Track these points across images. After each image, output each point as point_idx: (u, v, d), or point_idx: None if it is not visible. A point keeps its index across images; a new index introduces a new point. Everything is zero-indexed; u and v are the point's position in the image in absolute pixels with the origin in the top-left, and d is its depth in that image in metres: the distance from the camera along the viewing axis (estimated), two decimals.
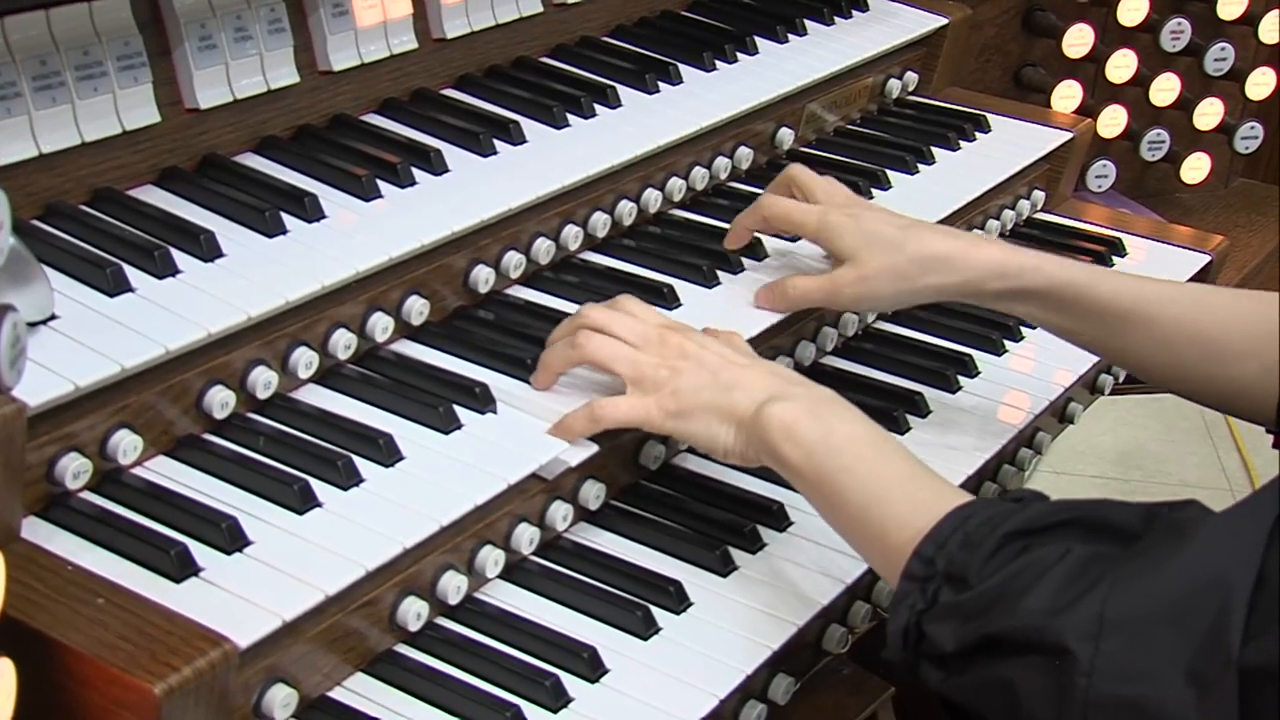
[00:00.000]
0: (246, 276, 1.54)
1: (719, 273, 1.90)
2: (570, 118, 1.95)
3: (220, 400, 1.49)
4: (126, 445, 1.41)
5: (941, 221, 2.17)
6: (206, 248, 1.55)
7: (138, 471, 1.44)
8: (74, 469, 1.37)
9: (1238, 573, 1.18)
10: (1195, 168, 2.94)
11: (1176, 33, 2.81)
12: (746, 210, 1.89)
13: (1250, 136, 2.91)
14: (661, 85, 2.08)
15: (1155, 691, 1.18)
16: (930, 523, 1.37)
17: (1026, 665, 1.25)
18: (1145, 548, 1.26)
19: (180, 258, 1.54)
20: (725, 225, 2.02)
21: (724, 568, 1.60)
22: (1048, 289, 1.75)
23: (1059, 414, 2.09)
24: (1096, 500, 1.36)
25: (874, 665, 1.62)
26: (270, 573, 1.34)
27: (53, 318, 1.42)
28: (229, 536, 1.36)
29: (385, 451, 1.50)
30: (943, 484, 1.46)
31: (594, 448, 1.59)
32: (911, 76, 2.50)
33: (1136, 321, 1.73)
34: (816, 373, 1.93)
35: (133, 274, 1.50)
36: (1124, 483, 4.66)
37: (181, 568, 1.32)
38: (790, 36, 2.30)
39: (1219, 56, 2.83)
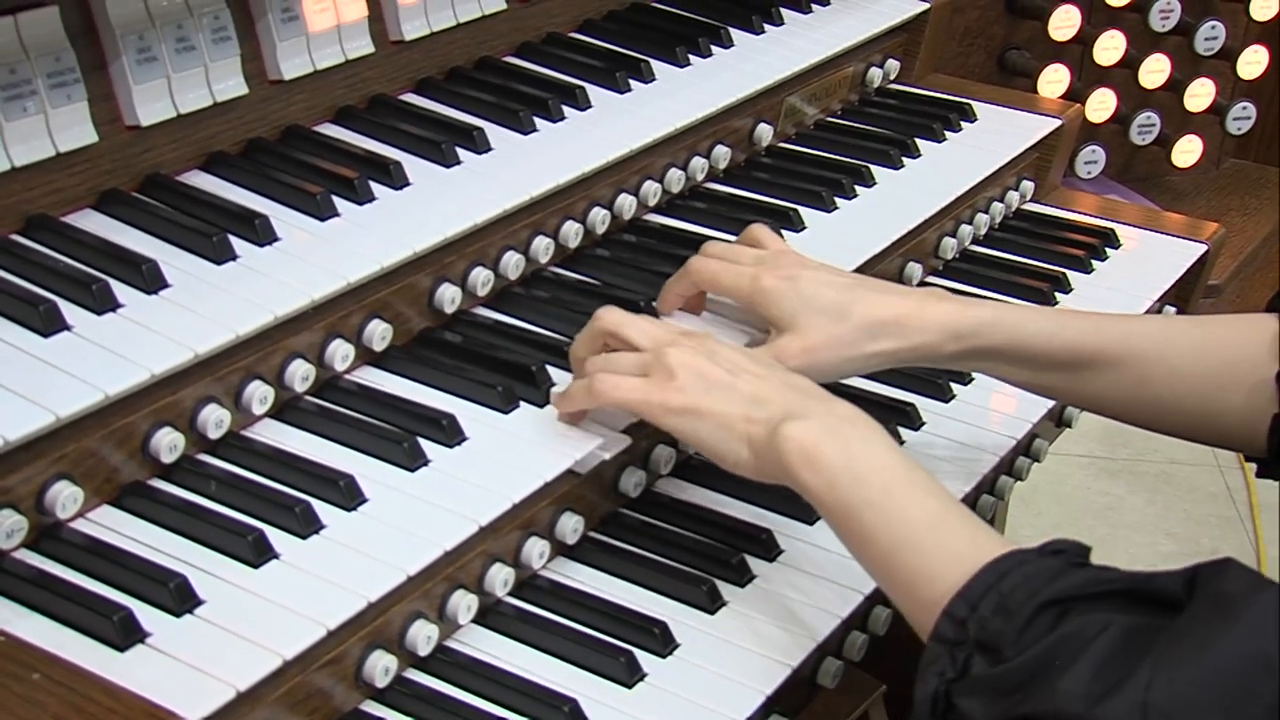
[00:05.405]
0: (193, 309, 1.44)
1: None
2: (538, 121, 1.85)
3: (168, 443, 1.39)
4: (66, 498, 1.31)
5: (930, 219, 2.08)
6: (149, 278, 1.45)
7: (78, 525, 1.34)
8: (8, 527, 1.27)
9: None
10: (1187, 150, 2.85)
11: (1166, 12, 2.71)
12: (675, 275, 1.72)
13: (1243, 117, 2.82)
14: (633, 83, 1.98)
15: None
16: (962, 578, 1.27)
17: None
18: (1189, 626, 1.16)
19: (121, 290, 1.43)
20: (703, 230, 1.93)
21: (711, 604, 1.51)
22: (1008, 344, 1.63)
23: (1056, 418, 2.00)
24: (1138, 572, 1.26)
25: (865, 663, 1.55)
26: (224, 636, 1.25)
27: None
28: (178, 597, 1.26)
29: (346, 494, 1.41)
30: (976, 528, 1.35)
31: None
32: (893, 64, 2.40)
33: (1105, 366, 1.62)
34: None
35: (69, 310, 1.39)
36: (1111, 461, 4.58)
37: (126, 635, 1.22)
38: (766, 27, 2.20)
39: (1210, 35, 2.74)
